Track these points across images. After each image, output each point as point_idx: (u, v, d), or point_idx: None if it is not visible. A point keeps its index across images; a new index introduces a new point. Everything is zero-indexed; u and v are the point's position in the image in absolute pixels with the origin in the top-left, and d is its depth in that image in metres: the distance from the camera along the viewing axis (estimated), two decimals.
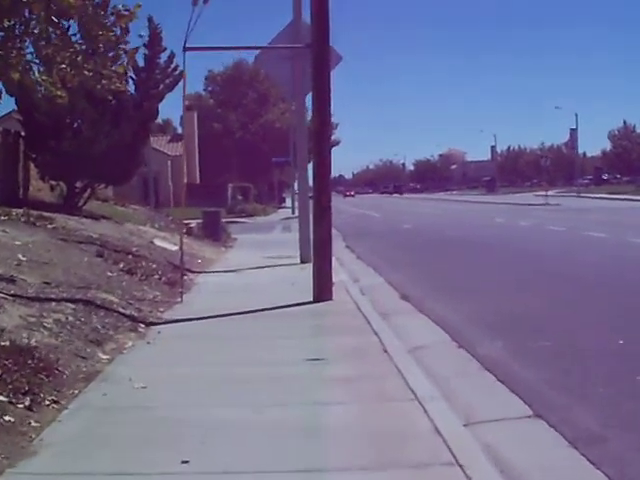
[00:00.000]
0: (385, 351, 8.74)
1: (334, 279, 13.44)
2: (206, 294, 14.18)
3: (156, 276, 14.60)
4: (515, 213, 47.67)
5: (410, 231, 34.54)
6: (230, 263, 20.14)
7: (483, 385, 7.80)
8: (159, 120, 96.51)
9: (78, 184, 23.67)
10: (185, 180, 73.53)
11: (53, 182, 23.74)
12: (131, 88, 23.52)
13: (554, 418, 6.48)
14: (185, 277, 16.31)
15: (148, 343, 9.53)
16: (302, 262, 19.26)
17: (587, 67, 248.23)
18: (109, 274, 13.51)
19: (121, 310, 10.94)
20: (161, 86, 23.72)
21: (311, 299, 12.91)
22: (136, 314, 11.05)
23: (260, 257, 21.44)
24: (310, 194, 16.06)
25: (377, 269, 19.01)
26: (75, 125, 22.53)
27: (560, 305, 12.70)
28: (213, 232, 27.00)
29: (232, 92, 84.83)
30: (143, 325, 10.52)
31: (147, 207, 31.34)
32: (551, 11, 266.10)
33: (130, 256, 16.19)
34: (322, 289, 12.99)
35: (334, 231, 28.15)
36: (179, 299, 13.01)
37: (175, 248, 21.26)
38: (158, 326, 10.64)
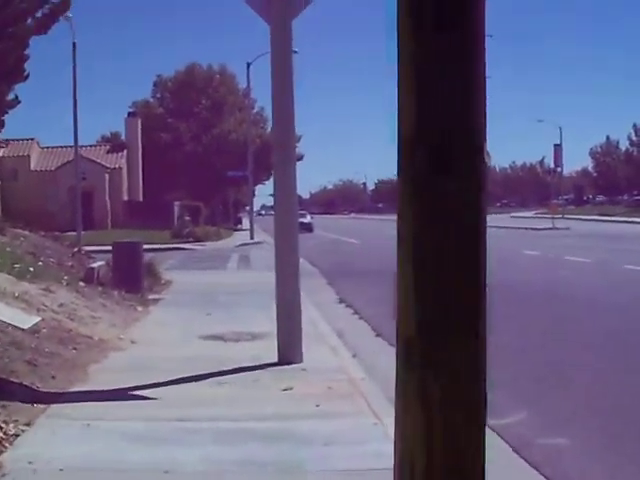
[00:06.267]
0: None
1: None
2: None
3: None
4: (533, 241, 38.09)
5: None
6: (132, 361, 9.93)
7: None
8: (106, 132, 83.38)
9: None
10: (125, 197, 63.85)
11: None
12: None
13: None
14: None
15: None
16: (281, 363, 9.29)
17: (566, 84, 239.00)
18: None
19: None
20: (29, 20, 13.50)
21: None
22: None
23: (198, 337, 11.44)
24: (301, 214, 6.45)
25: None
26: None
27: None
28: (128, 276, 16.64)
29: (183, 99, 74.85)
30: None
31: (40, 234, 21.05)
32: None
33: None
34: None
35: (309, 266, 18.51)
36: None
37: (35, 321, 11.08)
38: None
